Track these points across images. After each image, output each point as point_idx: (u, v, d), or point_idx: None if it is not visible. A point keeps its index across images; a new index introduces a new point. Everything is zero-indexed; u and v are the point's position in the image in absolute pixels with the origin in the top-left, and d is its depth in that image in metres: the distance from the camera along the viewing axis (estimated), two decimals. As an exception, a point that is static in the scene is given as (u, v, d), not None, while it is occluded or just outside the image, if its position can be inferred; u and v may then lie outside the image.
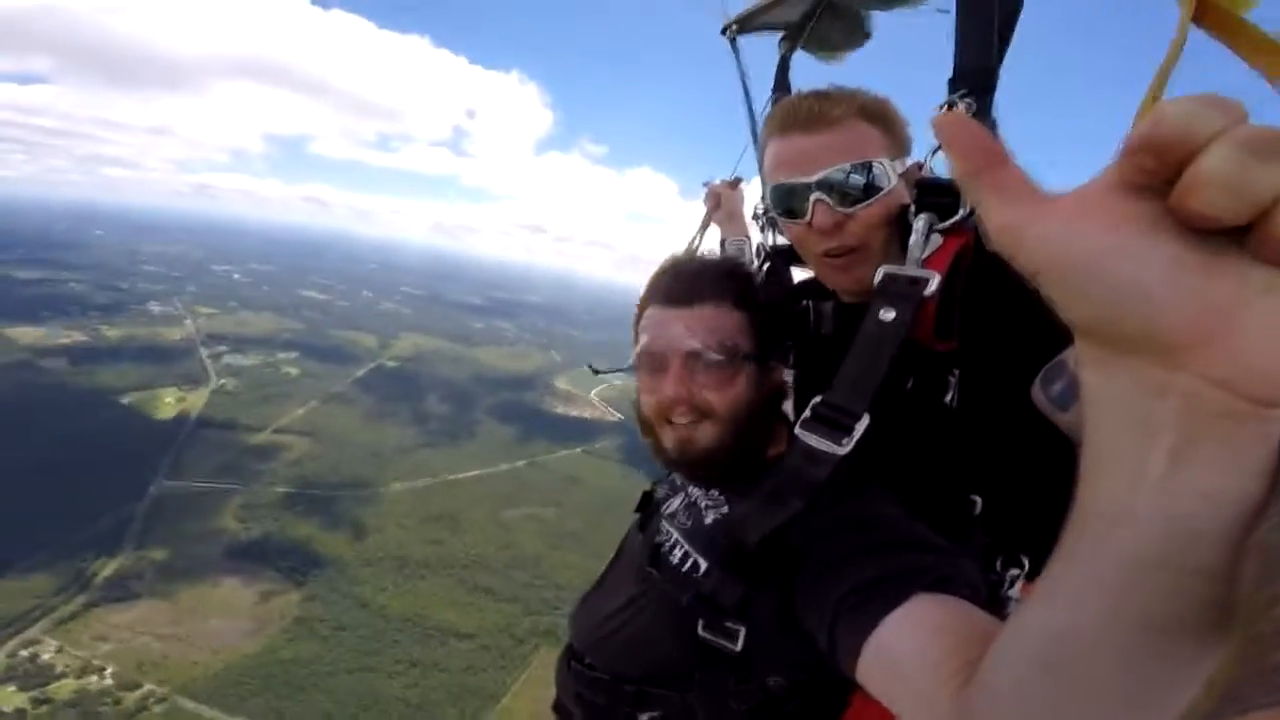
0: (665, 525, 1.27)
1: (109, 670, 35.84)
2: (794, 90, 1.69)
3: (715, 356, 1.14)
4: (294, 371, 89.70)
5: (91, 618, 39.87)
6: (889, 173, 1.17)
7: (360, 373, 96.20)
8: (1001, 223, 0.37)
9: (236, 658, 38.02)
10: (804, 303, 1.36)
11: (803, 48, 1.84)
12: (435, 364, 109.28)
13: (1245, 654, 0.30)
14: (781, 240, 1.56)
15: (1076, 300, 0.35)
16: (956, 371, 1.10)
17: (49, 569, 42.49)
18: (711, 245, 1.96)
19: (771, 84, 1.83)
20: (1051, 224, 0.35)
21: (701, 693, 1.11)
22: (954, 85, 1.06)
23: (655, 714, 1.17)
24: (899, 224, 1.18)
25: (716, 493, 1.22)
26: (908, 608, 0.80)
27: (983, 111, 1.05)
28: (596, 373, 1.50)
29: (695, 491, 1.26)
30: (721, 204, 2.01)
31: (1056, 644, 0.46)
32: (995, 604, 1.11)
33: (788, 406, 1.34)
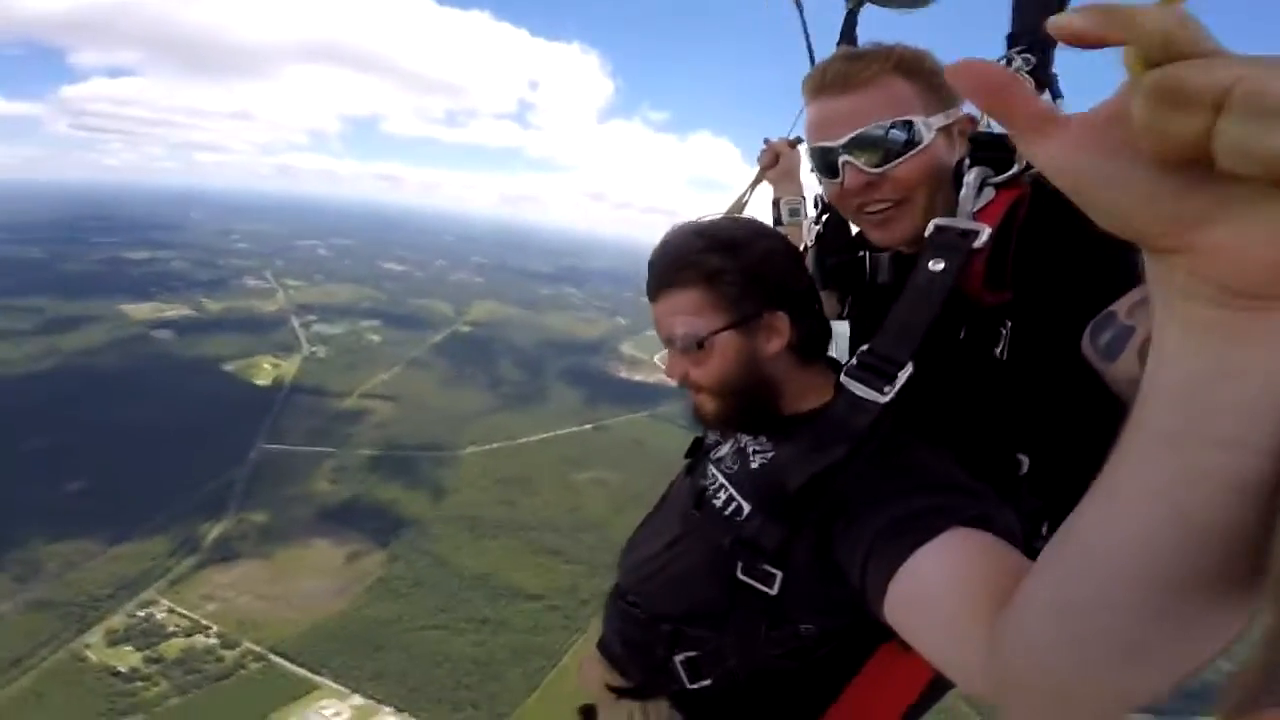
0: (712, 470, 1.30)
1: (214, 630, 38.35)
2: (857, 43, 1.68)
3: (682, 345, 1.19)
4: (376, 339, 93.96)
5: (200, 578, 42.48)
6: (921, 129, 1.15)
7: (437, 339, 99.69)
8: (1021, 147, 0.40)
9: (324, 616, 40.18)
10: (861, 253, 1.37)
11: (871, 1, 1.80)
12: (506, 330, 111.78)
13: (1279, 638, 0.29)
14: None
15: (1080, 204, 0.39)
16: (1008, 324, 1.10)
17: (165, 532, 45.37)
18: (763, 203, 1.99)
19: (837, 39, 1.80)
20: (1054, 148, 0.38)
21: (735, 635, 1.14)
22: (1011, 41, 1.07)
23: (689, 655, 1.21)
24: (949, 178, 1.18)
25: (765, 439, 1.24)
26: (943, 539, 0.80)
27: (1042, 67, 1.05)
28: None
29: (745, 437, 1.27)
30: (780, 161, 1.97)
31: (1091, 546, 0.47)
32: None
33: (840, 350, 1.33)
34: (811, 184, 1.75)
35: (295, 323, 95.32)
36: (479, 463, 62.11)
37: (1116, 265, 0.57)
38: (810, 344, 1.25)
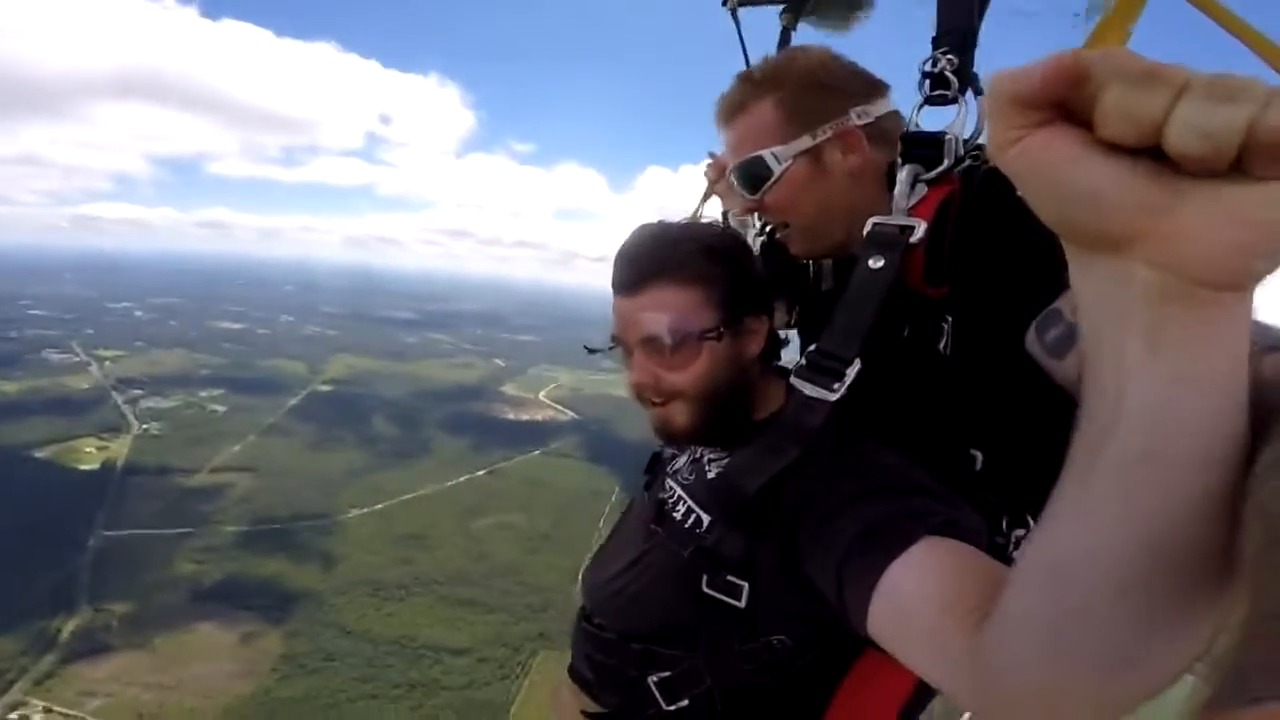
0: (670, 483, 1.28)
1: None
2: None
3: (668, 341, 1.12)
4: (221, 408, 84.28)
5: (69, 674, 37.04)
6: (771, 162, 1.22)
7: (294, 402, 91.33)
8: (993, 141, 0.42)
9: (233, 700, 35.95)
10: (804, 261, 1.38)
11: (805, 20, 1.83)
12: (373, 384, 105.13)
13: (1254, 633, 0.30)
14: None
15: (1043, 203, 0.42)
16: (949, 318, 1.12)
17: (10, 631, 39.17)
18: (714, 217, 1.99)
19: None
20: (1029, 141, 0.40)
21: (707, 651, 1.11)
22: (936, 44, 1.10)
23: (663, 674, 1.17)
24: (841, 190, 1.24)
25: (720, 448, 1.23)
26: (915, 550, 0.79)
27: (963, 69, 1.08)
28: (591, 352, 1.36)
29: (700, 448, 1.27)
30: (725, 175, 2.01)
31: (1060, 561, 0.48)
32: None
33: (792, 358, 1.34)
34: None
35: (118, 399, 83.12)
36: (366, 525, 57.56)
37: (1050, 256, 0.59)
38: (774, 350, 1.26)
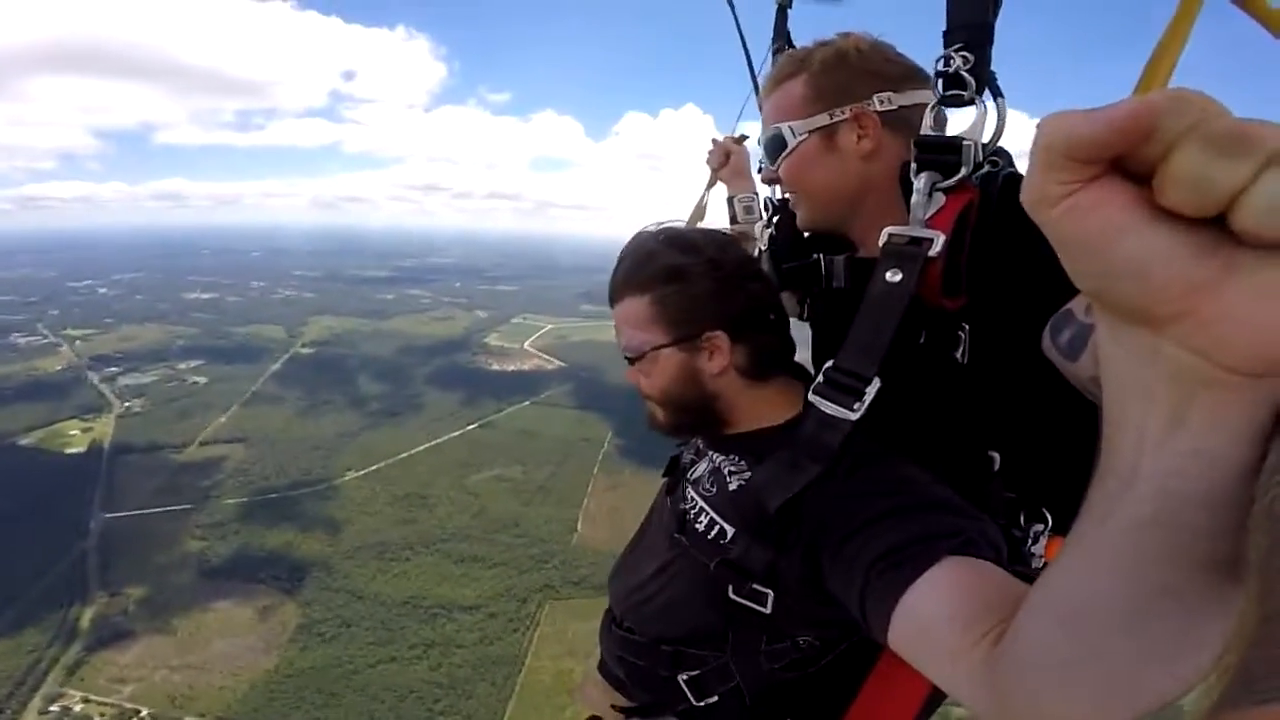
0: (690, 492, 1.30)
1: (145, 712, 34.31)
2: (792, 40, 1.78)
3: (628, 355, 1.24)
4: (202, 379, 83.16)
5: (99, 661, 37.62)
6: (786, 134, 1.29)
7: (275, 367, 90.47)
8: (1034, 192, 0.38)
9: (259, 675, 36.75)
10: (814, 256, 1.38)
11: None
12: (356, 343, 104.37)
13: (1261, 636, 0.30)
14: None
15: (1083, 271, 0.38)
16: (966, 327, 1.12)
17: (32, 623, 39.60)
18: (719, 201, 2.04)
19: (771, 36, 1.83)
20: (1078, 200, 0.36)
21: (736, 653, 1.17)
22: (948, 40, 1.06)
23: (693, 674, 1.23)
24: (852, 171, 1.27)
25: (738, 458, 1.24)
26: (936, 571, 0.81)
27: (979, 66, 1.04)
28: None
29: (719, 457, 1.28)
30: (730, 160, 2.01)
31: (1074, 605, 0.50)
32: (1020, 560, 1.16)
33: (805, 356, 1.38)
34: (760, 185, 1.91)
35: (94, 378, 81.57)
36: (364, 487, 57.99)
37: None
38: (761, 362, 1.24)
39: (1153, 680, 0.48)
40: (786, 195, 1.47)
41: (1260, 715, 0.28)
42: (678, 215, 1.42)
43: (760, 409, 1.24)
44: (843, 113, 1.24)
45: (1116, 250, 0.35)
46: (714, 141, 2.06)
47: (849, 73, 1.24)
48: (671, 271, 1.19)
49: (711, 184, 2.04)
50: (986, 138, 1.07)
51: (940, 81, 1.07)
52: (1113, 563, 0.45)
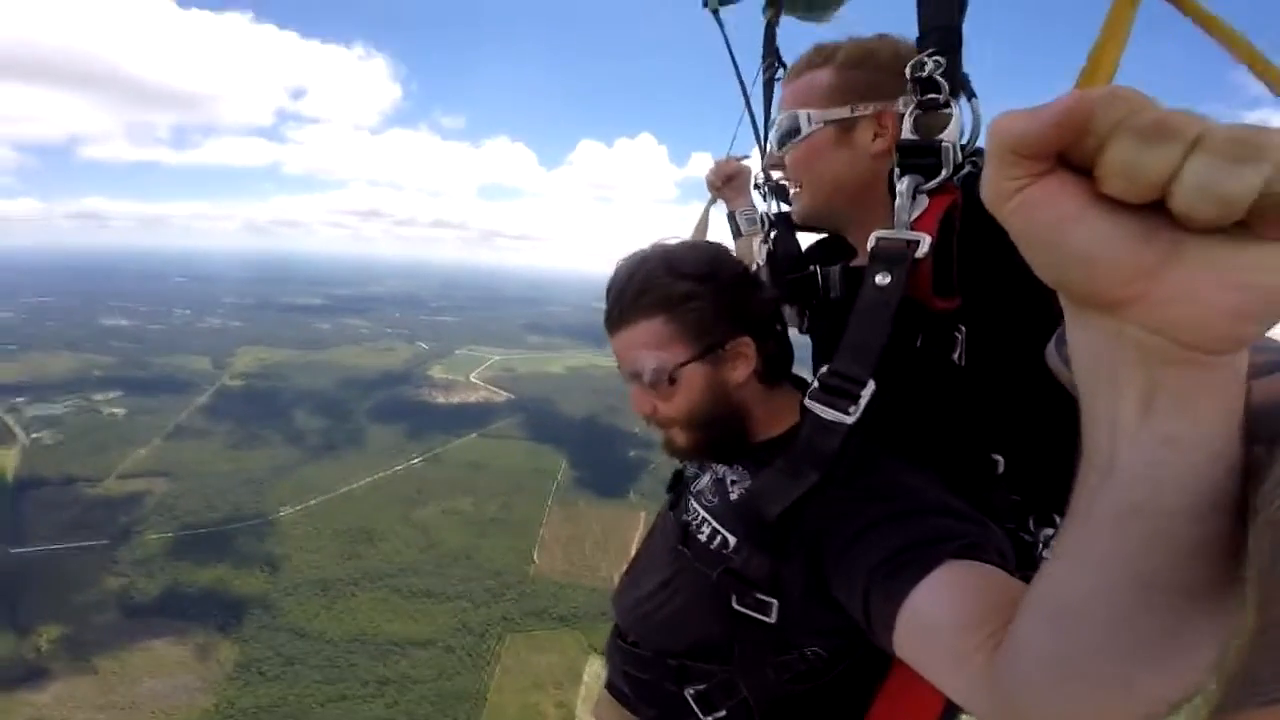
0: (693, 504, 1.30)
1: None
2: (782, 58, 1.81)
3: (646, 379, 1.18)
4: (120, 411, 77.93)
5: (11, 703, 34.43)
6: (802, 120, 1.30)
7: (201, 400, 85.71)
8: (990, 189, 0.41)
9: (196, 714, 34.42)
10: (810, 268, 1.38)
11: (787, 11, 1.84)
12: (289, 376, 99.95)
13: (1263, 640, 0.31)
14: (784, 208, 1.62)
15: (1042, 262, 0.41)
16: (962, 328, 1.13)
17: None
18: (720, 220, 2.06)
19: (761, 51, 1.84)
20: (1029, 194, 0.39)
21: (742, 665, 1.14)
22: (921, 44, 1.07)
23: (699, 687, 1.20)
24: (855, 170, 1.29)
25: (740, 468, 1.24)
26: (938, 574, 0.81)
27: (951, 70, 1.05)
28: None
29: (721, 468, 1.28)
30: (734, 179, 2.03)
31: (1062, 602, 0.52)
32: (1030, 565, 1.15)
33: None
34: (759, 201, 1.86)
35: (-4, 408, 75.19)
36: (302, 523, 55.33)
37: None
38: (775, 367, 1.25)
39: (1145, 680, 0.48)
40: (784, 181, 1.48)
41: (1264, 716, 0.28)
42: (627, 247, 1.35)
43: (772, 418, 1.24)
44: (865, 109, 1.25)
45: (1068, 240, 0.38)
46: (715, 163, 2.09)
47: (876, 70, 1.25)
48: (682, 287, 1.17)
49: (712, 202, 2.08)
50: (964, 139, 1.09)
51: (915, 87, 1.07)
52: (1098, 557, 0.47)
